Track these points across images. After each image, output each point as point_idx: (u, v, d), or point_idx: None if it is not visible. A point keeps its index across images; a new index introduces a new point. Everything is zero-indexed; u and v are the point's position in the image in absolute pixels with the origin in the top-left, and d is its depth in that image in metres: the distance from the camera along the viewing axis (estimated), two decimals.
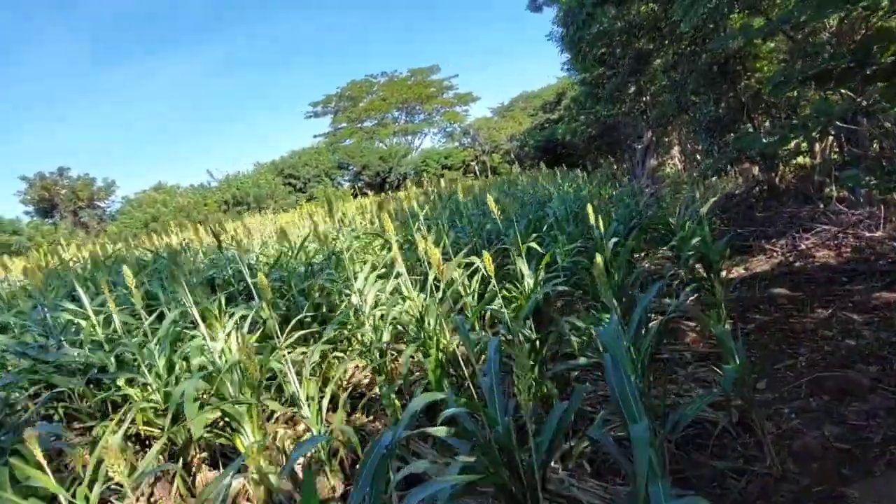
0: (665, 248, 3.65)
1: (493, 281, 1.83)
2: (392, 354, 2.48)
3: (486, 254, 1.73)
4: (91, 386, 2.20)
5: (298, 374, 1.87)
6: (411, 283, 2.45)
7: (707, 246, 2.78)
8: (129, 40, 68.33)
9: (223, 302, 2.49)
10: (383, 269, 2.97)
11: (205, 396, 1.92)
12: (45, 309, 2.51)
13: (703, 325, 2.50)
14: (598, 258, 1.65)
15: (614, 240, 2.98)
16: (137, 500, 1.78)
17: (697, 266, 3.05)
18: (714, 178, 6.43)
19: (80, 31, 66.83)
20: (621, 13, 6.31)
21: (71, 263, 5.43)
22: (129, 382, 2.19)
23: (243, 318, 2.32)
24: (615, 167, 21.04)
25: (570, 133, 20.56)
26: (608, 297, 1.60)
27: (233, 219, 27.94)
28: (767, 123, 4.90)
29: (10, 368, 2.26)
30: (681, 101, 5.48)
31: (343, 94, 46.94)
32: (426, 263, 2.45)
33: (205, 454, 2.02)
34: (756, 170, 5.57)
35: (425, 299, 2.31)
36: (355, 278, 2.44)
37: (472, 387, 1.63)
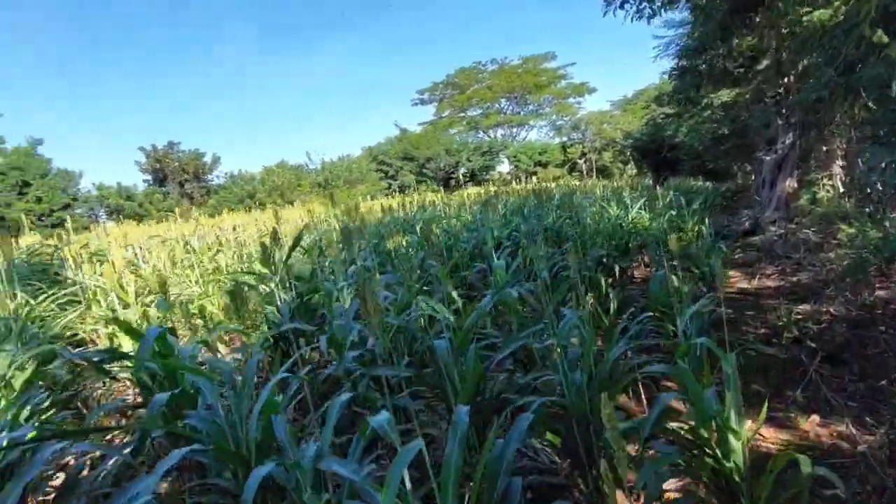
0: None
1: None
2: None
3: None
4: None
5: None
6: None
7: None
8: (280, 36, 75.41)
9: None
10: None
11: None
12: None
13: None
14: None
15: None
16: None
17: None
18: None
19: (236, 31, 75.48)
20: None
21: None
22: None
23: None
24: (753, 179, 16.39)
25: (690, 130, 16.23)
26: None
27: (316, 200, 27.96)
28: None
29: None
30: (844, 71, 2.36)
31: (449, 82, 45.48)
32: None
33: None
34: None
35: None
36: None
37: None
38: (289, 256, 2.52)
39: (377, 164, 36.23)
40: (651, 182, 15.75)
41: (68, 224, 10.53)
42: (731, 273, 4.56)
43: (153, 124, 63.21)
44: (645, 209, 6.74)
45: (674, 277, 2.37)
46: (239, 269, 3.66)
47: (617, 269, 3.76)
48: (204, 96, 67.67)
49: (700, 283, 3.57)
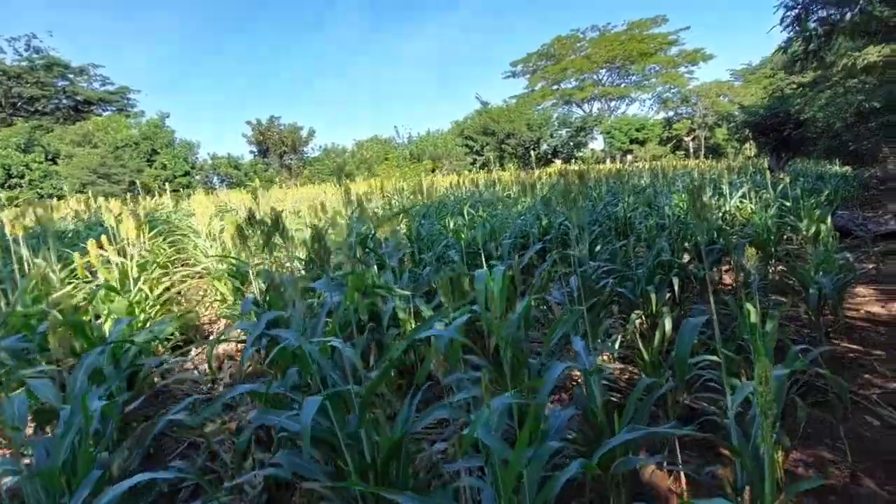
0: None
1: None
2: None
3: None
4: None
5: None
6: None
7: None
8: (385, 16, 78.05)
9: None
10: None
11: None
12: None
13: None
14: None
15: None
16: None
17: None
18: None
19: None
20: None
21: None
22: None
23: None
24: None
25: (828, 103, 13.54)
26: None
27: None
28: None
29: None
30: None
31: (544, 53, 43.03)
32: None
33: None
34: None
35: None
36: None
37: None
38: (266, 243, 2.20)
39: (463, 139, 35.75)
40: (769, 165, 13.47)
41: (166, 189, 11.44)
42: (860, 291, 3.46)
43: (265, 100, 68.85)
44: (749, 198, 5.56)
45: (749, 308, 1.63)
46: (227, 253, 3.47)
47: (680, 278, 2.95)
48: (312, 74, 71.95)
49: (806, 309, 2.66)
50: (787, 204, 5.13)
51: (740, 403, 1.23)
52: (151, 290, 2.91)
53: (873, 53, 5.23)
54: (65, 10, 55.10)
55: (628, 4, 73.36)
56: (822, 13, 3.76)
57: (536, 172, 8.79)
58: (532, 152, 13.27)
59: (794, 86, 15.98)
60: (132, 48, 64.09)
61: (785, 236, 4.19)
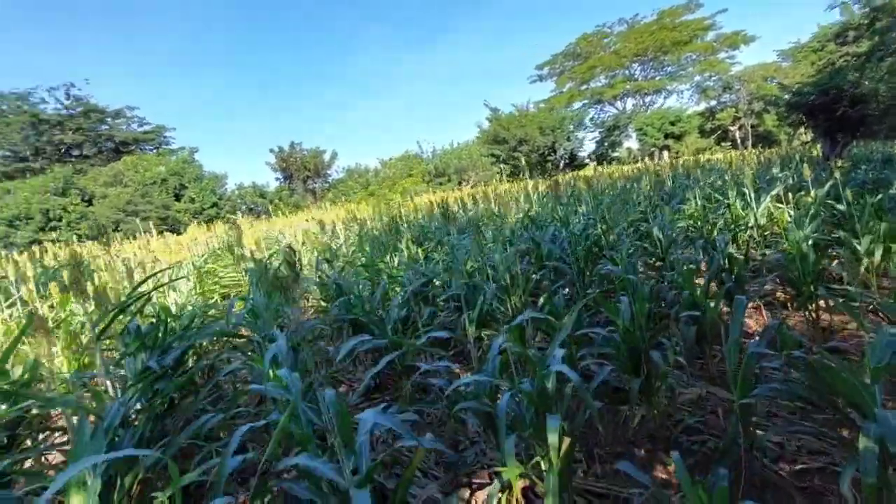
0: None
1: None
2: None
3: None
4: None
5: None
6: None
7: None
8: (409, 34, 79.58)
9: None
10: None
11: None
12: None
13: None
14: None
15: None
16: None
17: None
18: None
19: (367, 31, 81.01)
20: None
21: None
22: None
23: None
24: None
25: (887, 72, 11.47)
26: None
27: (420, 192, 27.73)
28: None
29: None
30: None
31: (570, 52, 41.42)
32: None
33: None
34: None
35: None
36: None
37: None
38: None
39: (488, 149, 34.71)
40: (823, 152, 11.53)
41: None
42: None
43: (295, 126, 71.17)
44: (786, 201, 4.22)
45: None
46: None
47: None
48: (341, 98, 73.78)
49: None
50: (840, 207, 3.77)
51: None
52: None
53: None
54: (99, 55, 59.04)
55: None
56: None
57: (531, 183, 7.67)
58: (547, 158, 12.03)
59: (848, 57, 13.88)
60: (161, 87, 67.82)
61: (833, 262, 2.88)
